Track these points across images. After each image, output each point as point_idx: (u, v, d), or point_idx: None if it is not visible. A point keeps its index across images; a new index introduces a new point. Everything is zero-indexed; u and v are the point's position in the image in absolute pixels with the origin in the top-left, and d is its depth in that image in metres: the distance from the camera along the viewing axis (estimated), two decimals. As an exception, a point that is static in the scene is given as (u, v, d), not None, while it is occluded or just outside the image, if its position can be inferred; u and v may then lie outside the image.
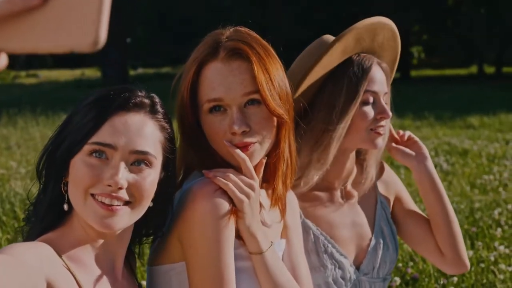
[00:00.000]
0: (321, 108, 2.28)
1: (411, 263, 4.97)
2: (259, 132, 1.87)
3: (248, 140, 1.85)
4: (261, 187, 2.00)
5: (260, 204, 1.95)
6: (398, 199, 2.56)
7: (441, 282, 4.65)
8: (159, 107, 1.77)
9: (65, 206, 1.69)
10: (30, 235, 1.75)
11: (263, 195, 2.03)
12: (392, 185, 2.58)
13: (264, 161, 1.94)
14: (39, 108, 19.43)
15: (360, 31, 2.26)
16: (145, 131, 1.70)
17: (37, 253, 1.52)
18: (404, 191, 2.60)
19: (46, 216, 1.72)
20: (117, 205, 1.63)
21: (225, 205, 1.78)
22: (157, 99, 1.79)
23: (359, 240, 2.41)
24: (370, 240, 2.41)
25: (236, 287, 1.80)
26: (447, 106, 18.46)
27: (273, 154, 1.95)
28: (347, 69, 2.29)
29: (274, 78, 1.87)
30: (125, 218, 1.66)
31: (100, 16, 0.78)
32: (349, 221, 2.42)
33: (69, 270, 1.60)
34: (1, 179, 8.76)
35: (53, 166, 1.71)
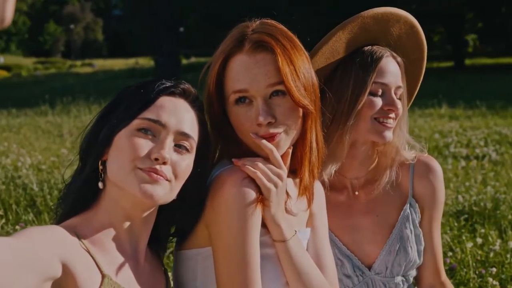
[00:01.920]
0: (330, 98, 2.23)
1: (450, 253, 4.93)
2: (284, 123, 1.89)
3: (273, 130, 1.87)
4: (288, 177, 2.00)
5: (287, 193, 1.97)
6: (427, 212, 2.46)
7: (479, 272, 4.61)
8: (199, 101, 1.89)
9: (100, 184, 1.77)
10: (61, 217, 1.84)
11: (290, 185, 2.05)
12: (431, 194, 2.45)
13: (290, 151, 1.96)
14: (93, 97, 19.81)
15: (367, 20, 2.25)
16: (189, 117, 1.82)
17: (50, 236, 1.56)
18: (436, 209, 2.47)
19: (79, 195, 1.80)
20: (160, 176, 1.70)
21: (252, 193, 1.81)
22: (197, 93, 1.89)
23: (372, 239, 2.38)
24: (386, 240, 2.37)
25: (261, 274, 1.83)
26: (500, 95, 18.08)
27: (299, 144, 1.98)
28: (356, 59, 2.29)
29: (299, 70, 1.89)
30: (164, 191, 1.72)
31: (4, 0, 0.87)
32: (363, 218, 2.40)
33: (88, 252, 1.66)
34: (51, 166, 8.94)
35: (96, 144, 1.77)
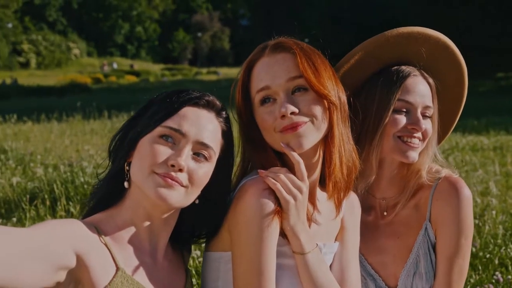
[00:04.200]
0: (356, 115, 2.22)
1: None
2: (308, 113, 1.93)
3: (297, 120, 1.92)
4: (319, 189, 2.11)
5: (314, 205, 2.06)
6: (442, 236, 2.32)
7: None
8: (224, 112, 1.99)
9: (126, 184, 1.89)
10: (88, 211, 1.97)
11: (320, 196, 2.11)
12: (447, 216, 2.30)
13: (321, 160, 2.05)
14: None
15: (391, 39, 2.27)
16: (211, 128, 1.90)
17: (67, 228, 1.67)
18: (453, 233, 2.29)
19: (105, 191, 1.93)
20: (175, 182, 1.80)
21: (270, 204, 1.87)
22: (221, 104, 1.98)
23: (394, 261, 2.38)
24: (404, 265, 2.36)
25: (278, 283, 1.92)
26: None
27: (328, 141, 2.01)
28: (381, 77, 2.30)
29: (319, 67, 1.96)
30: (179, 196, 1.82)
31: None
32: (387, 239, 2.40)
33: (106, 246, 1.77)
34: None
35: (123, 145, 1.91)
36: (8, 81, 54.76)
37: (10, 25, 79.29)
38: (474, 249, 4.89)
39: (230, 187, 2.04)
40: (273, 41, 2.04)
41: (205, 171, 1.87)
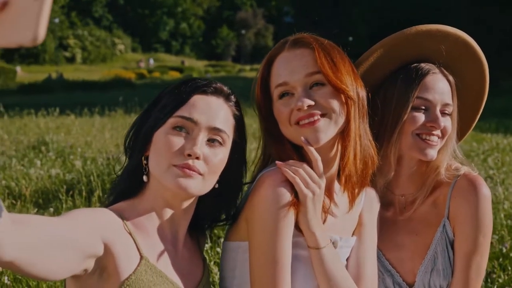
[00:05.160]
0: (376, 112, 2.23)
1: None
2: (325, 106, 1.96)
3: (313, 111, 1.94)
4: (336, 181, 2.13)
5: (332, 198, 2.08)
6: (460, 233, 2.32)
7: None
8: (233, 97, 2.01)
9: (145, 178, 1.93)
10: (110, 202, 1.99)
11: (337, 190, 2.13)
12: (465, 213, 2.29)
13: (339, 154, 2.06)
14: (250, 101, 19.77)
15: (409, 37, 2.28)
16: (222, 113, 1.93)
17: (97, 217, 1.72)
18: (470, 231, 2.28)
19: (125, 183, 1.97)
20: (193, 171, 1.84)
21: (287, 196, 1.89)
22: (229, 89, 2.00)
23: (412, 258, 2.38)
24: (422, 262, 2.36)
25: (293, 274, 1.93)
26: None
27: (345, 135, 2.01)
28: (401, 75, 2.31)
29: (338, 63, 1.98)
30: (198, 184, 1.86)
31: (40, 17, 0.95)
32: (405, 236, 2.40)
33: (130, 235, 1.81)
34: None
35: (138, 140, 1.95)
36: (54, 75, 55.67)
37: (57, 20, 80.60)
38: (504, 249, 4.84)
39: (245, 171, 2.10)
40: (293, 36, 2.06)
41: (221, 157, 1.90)
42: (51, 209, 6.19)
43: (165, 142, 1.85)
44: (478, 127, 18.01)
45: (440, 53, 2.31)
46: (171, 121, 1.87)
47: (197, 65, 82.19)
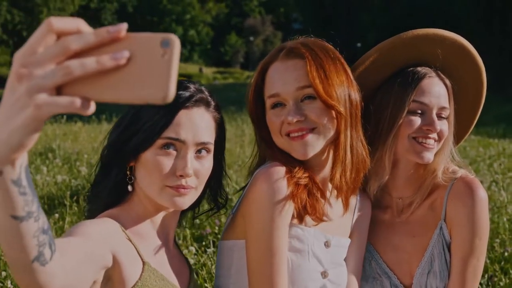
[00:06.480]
0: (372, 116, 2.26)
1: None
2: (314, 121, 2.00)
3: (303, 126, 1.99)
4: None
5: (325, 199, 2.09)
6: (456, 236, 2.32)
7: None
8: (211, 100, 2.00)
9: (129, 188, 1.95)
10: (93, 212, 1.99)
11: (333, 191, 2.16)
12: (461, 217, 2.30)
13: (330, 158, 2.11)
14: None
15: (406, 41, 2.29)
16: (204, 124, 1.95)
17: (103, 228, 1.75)
18: (466, 234, 2.29)
19: (110, 195, 1.96)
20: (187, 189, 1.88)
21: (283, 190, 1.93)
22: (208, 92, 2.00)
23: (409, 260, 2.39)
24: (419, 264, 2.36)
25: (295, 268, 2.00)
26: None
27: (334, 147, 2.06)
28: (397, 79, 2.31)
29: (330, 76, 1.98)
30: (193, 197, 1.93)
31: (170, 76, 0.94)
32: (403, 238, 2.42)
33: (131, 242, 1.83)
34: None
35: (120, 157, 1.92)
36: (64, 83, 55.84)
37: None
38: (506, 253, 4.84)
39: (224, 159, 2.13)
40: (288, 45, 2.07)
41: (208, 164, 1.95)
42: (56, 215, 6.22)
43: (155, 164, 1.87)
44: (485, 133, 18.00)
45: (437, 56, 2.33)
46: (159, 142, 1.87)
47: (206, 72, 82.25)
